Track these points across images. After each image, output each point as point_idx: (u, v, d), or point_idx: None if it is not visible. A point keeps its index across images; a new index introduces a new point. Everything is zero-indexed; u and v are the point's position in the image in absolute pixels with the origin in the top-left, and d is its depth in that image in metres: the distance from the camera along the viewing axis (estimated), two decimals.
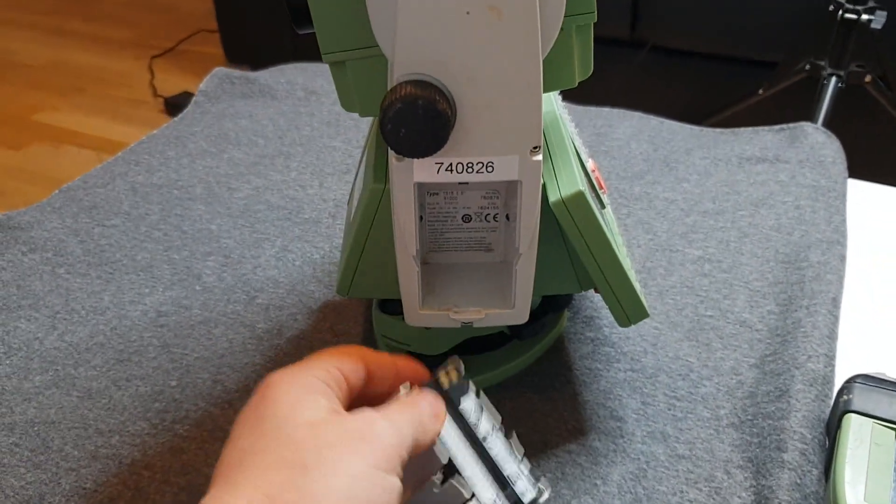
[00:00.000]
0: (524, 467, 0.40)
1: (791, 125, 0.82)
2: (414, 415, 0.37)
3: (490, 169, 0.40)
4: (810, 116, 1.41)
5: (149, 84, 2.43)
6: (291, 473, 0.33)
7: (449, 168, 0.40)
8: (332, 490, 0.32)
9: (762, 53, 1.69)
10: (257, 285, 0.62)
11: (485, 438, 0.40)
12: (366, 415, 0.36)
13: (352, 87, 0.41)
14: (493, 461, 0.39)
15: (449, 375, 0.41)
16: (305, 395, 0.36)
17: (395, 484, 0.34)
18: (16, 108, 2.31)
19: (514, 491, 0.39)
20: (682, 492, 0.46)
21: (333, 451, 0.34)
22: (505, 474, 0.39)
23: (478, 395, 0.41)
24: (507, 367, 0.53)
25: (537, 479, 0.40)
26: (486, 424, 0.40)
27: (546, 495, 0.40)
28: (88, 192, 0.73)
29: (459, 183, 0.46)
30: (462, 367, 0.41)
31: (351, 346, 0.40)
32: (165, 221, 0.69)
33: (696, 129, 0.83)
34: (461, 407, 0.40)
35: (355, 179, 0.53)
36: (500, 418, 0.41)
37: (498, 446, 0.40)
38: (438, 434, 0.38)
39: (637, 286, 0.47)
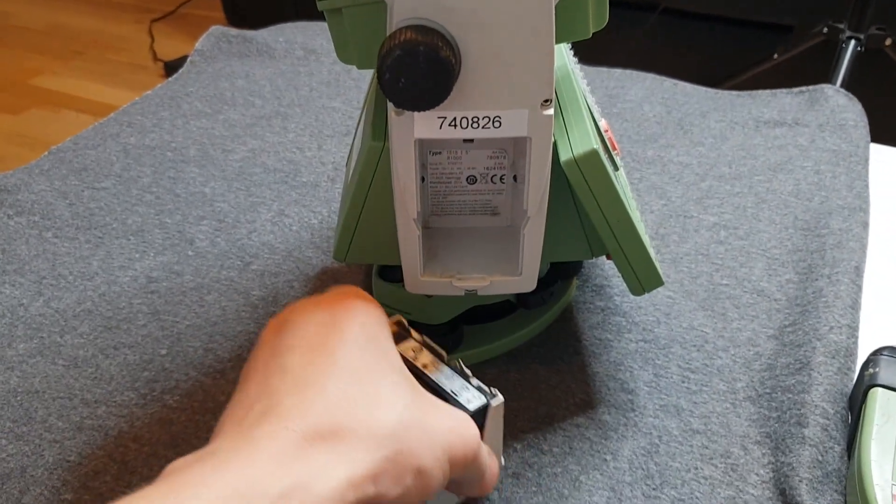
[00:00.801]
0: (470, 382, 0.38)
1: (811, 87, 0.79)
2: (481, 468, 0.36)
3: (497, 124, 0.37)
4: (828, 81, 1.37)
5: (149, 48, 2.38)
6: (382, 422, 0.31)
7: (453, 123, 0.37)
8: (412, 458, 0.31)
9: (778, 16, 1.64)
10: (252, 251, 0.59)
11: (425, 366, 0.39)
12: (464, 415, 0.35)
13: (349, 36, 0.38)
14: (437, 386, 0.38)
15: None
16: (386, 347, 0.34)
17: (448, 473, 0.33)
18: (14, 73, 2.27)
19: (458, 402, 0.37)
20: (696, 468, 0.44)
21: (425, 422, 0.32)
22: (447, 390, 0.38)
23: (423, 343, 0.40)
24: (512, 338, 0.51)
25: (489, 391, 0.38)
26: (426, 359, 0.39)
27: (498, 400, 0.38)
28: (78, 153, 0.71)
29: (464, 141, 0.43)
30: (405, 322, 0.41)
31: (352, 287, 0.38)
32: (157, 184, 0.66)
33: (711, 91, 0.80)
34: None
35: (354, 140, 0.51)
36: (444, 355, 0.40)
37: (437, 373, 0.38)
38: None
39: (652, 252, 0.44)
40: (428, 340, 0.40)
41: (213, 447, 0.29)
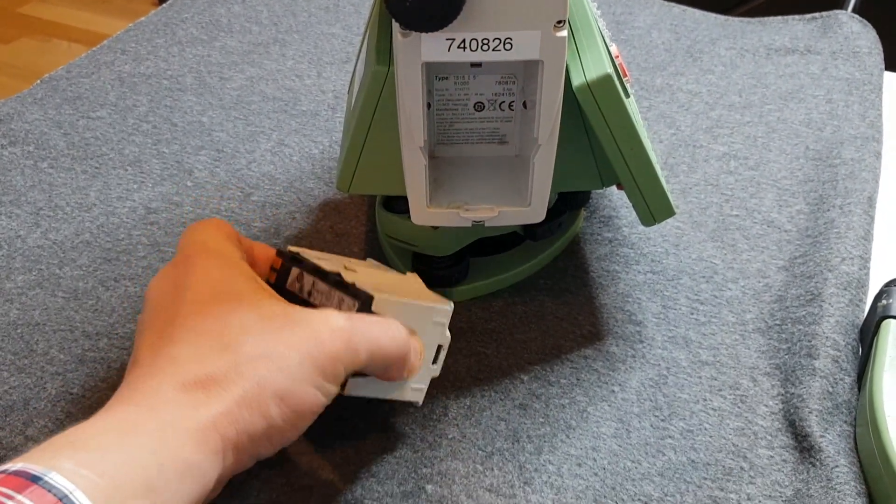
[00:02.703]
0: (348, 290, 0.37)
1: (823, 14, 0.77)
2: (388, 346, 0.36)
3: (508, 46, 0.35)
4: (841, 7, 1.33)
5: None
6: (231, 356, 0.32)
7: (462, 45, 0.35)
8: (271, 383, 0.32)
9: None
10: (252, 181, 0.58)
11: (309, 293, 0.38)
12: (320, 316, 0.34)
13: None
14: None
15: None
16: (238, 278, 0.36)
17: (331, 389, 0.34)
18: (1, 0, 2.21)
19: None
20: (704, 399, 0.43)
21: (281, 345, 0.33)
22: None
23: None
24: (519, 270, 0.50)
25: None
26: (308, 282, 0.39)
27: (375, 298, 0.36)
28: (72, 82, 0.69)
29: (472, 65, 0.41)
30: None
31: (209, 220, 0.39)
32: (154, 113, 0.65)
33: (721, 17, 0.78)
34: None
35: (356, 66, 0.49)
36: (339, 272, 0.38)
37: (318, 295, 0.38)
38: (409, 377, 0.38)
39: (663, 181, 0.43)
40: (313, 257, 0.39)
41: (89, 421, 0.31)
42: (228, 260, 0.36)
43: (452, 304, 0.40)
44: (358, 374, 0.36)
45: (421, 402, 0.40)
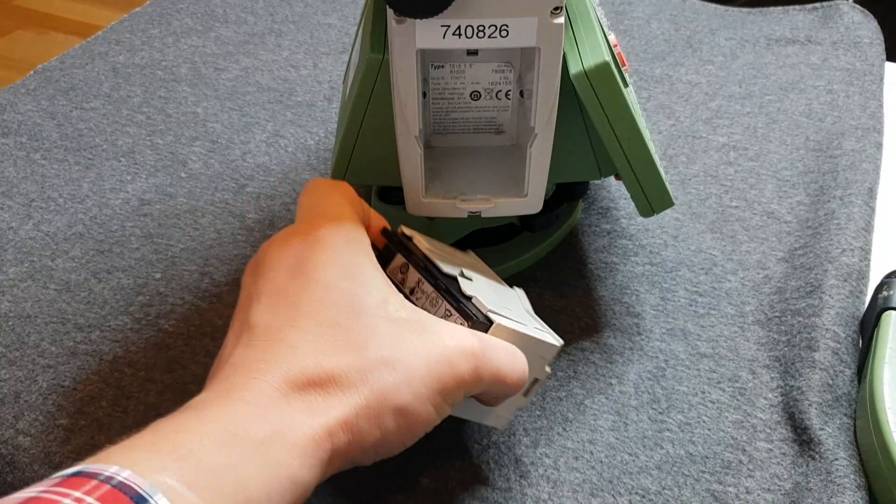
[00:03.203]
0: (463, 306, 0.36)
1: (824, 3, 0.76)
2: (508, 371, 0.34)
3: (504, 33, 0.35)
4: None
5: None
6: (356, 357, 0.30)
7: (457, 32, 0.35)
8: (395, 397, 0.30)
9: None
10: (247, 173, 0.57)
11: (412, 290, 0.37)
12: (449, 333, 0.32)
13: None
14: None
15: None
16: (363, 271, 0.32)
17: (446, 411, 0.32)
18: None
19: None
20: (703, 392, 0.43)
21: (407, 357, 0.30)
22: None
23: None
24: (516, 262, 0.49)
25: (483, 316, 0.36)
26: (412, 279, 0.37)
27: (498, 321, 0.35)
28: (66, 73, 0.68)
29: (468, 53, 0.41)
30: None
31: (335, 181, 0.37)
32: (148, 104, 0.64)
33: (720, 7, 0.77)
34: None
35: (351, 55, 0.48)
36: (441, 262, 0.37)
37: (422, 298, 0.37)
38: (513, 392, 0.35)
39: (662, 171, 0.42)
40: (424, 248, 0.38)
41: (194, 400, 0.29)
42: (356, 238, 0.33)
43: (562, 342, 0.39)
44: None
45: (501, 428, 0.40)
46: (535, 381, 0.38)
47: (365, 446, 0.30)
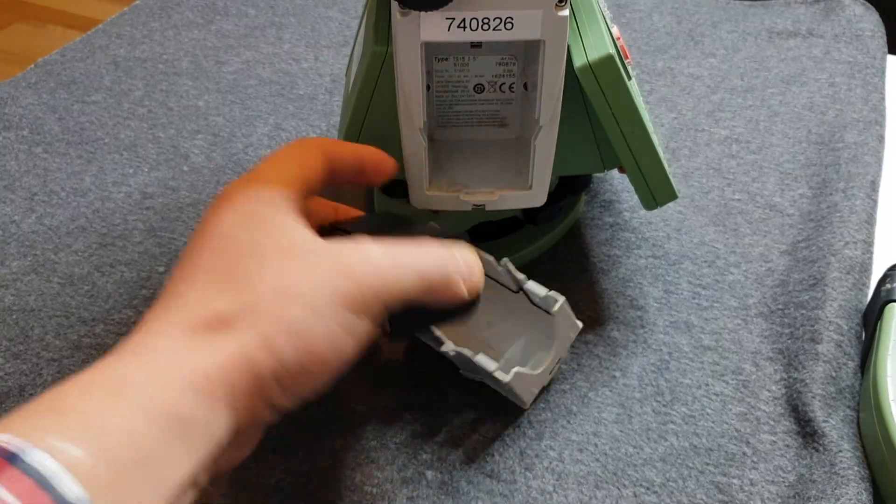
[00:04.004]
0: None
1: None
2: (428, 266, 0.32)
3: (509, 25, 0.35)
4: None
5: None
6: (242, 294, 0.29)
7: (462, 24, 0.35)
8: (284, 318, 0.28)
9: None
10: (249, 166, 0.57)
11: None
12: (353, 246, 0.31)
13: None
14: None
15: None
16: (273, 214, 0.31)
17: (361, 326, 0.30)
18: None
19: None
20: (707, 384, 0.43)
21: (299, 279, 0.29)
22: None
23: None
24: (519, 255, 0.49)
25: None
26: None
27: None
28: (67, 66, 0.68)
29: (472, 46, 0.41)
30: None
31: (310, 140, 0.36)
32: (150, 97, 0.64)
33: (722, 0, 0.77)
34: None
35: (353, 48, 0.48)
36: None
37: None
38: (473, 296, 0.34)
39: (666, 164, 0.42)
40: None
41: (97, 365, 0.28)
42: (268, 198, 0.32)
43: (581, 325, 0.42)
44: (411, 315, 0.34)
45: (528, 406, 0.41)
46: (559, 359, 0.41)
47: (265, 381, 0.28)
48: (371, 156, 0.37)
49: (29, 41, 1.93)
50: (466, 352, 0.38)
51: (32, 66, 0.68)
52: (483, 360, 0.38)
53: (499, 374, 0.38)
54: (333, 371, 0.30)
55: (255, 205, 0.32)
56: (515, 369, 0.38)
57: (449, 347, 0.38)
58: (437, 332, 0.39)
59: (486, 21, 0.35)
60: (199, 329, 0.28)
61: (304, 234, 0.31)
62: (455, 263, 0.33)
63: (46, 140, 0.60)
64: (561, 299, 0.40)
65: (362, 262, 0.31)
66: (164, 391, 0.26)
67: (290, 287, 0.29)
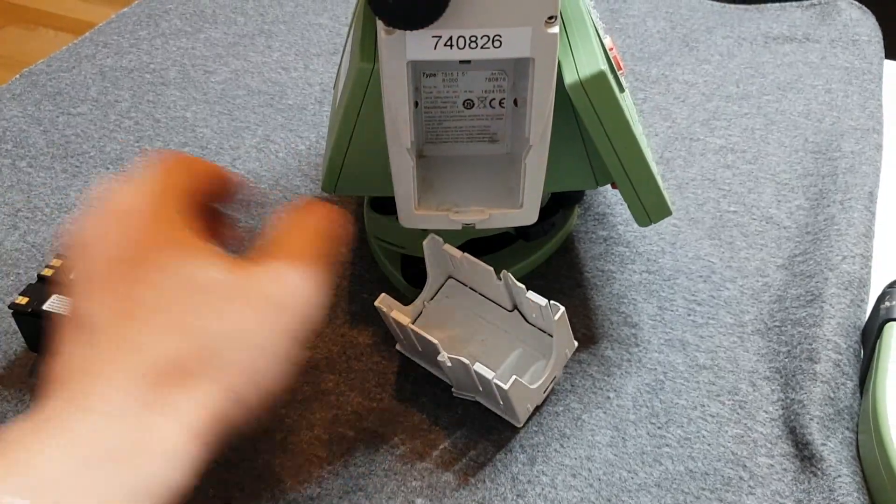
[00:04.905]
0: None
1: (822, 0, 0.75)
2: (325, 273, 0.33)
3: (497, 44, 0.34)
4: None
5: None
6: (188, 342, 0.28)
7: (449, 43, 0.34)
8: (237, 363, 0.29)
9: None
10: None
11: None
12: (276, 270, 0.31)
13: None
14: None
15: None
16: (182, 239, 0.30)
17: (299, 354, 0.31)
18: None
19: None
20: (702, 405, 0.42)
21: (238, 321, 0.29)
22: None
23: None
24: (512, 270, 0.48)
25: None
26: None
27: None
28: (52, 76, 0.67)
29: (461, 62, 0.40)
30: None
31: (176, 157, 0.34)
32: (137, 109, 0.63)
33: (717, 5, 0.76)
34: None
35: (342, 60, 0.47)
36: None
37: None
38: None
39: (660, 181, 0.41)
40: None
41: (38, 410, 0.26)
42: (168, 208, 0.31)
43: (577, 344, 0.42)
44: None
45: (521, 423, 0.41)
46: (554, 378, 0.41)
47: (236, 420, 0.29)
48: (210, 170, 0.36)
49: (20, 45, 1.92)
50: (464, 360, 0.37)
51: (17, 76, 0.67)
52: (481, 369, 0.38)
53: (498, 382, 0.37)
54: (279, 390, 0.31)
55: (170, 225, 0.31)
56: (514, 377, 0.38)
57: (445, 357, 0.37)
58: (434, 341, 0.38)
59: (473, 39, 0.34)
60: (162, 382, 0.27)
61: (221, 271, 0.30)
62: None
63: (31, 154, 0.59)
64: (561, 309, 0.39)
65: (294, 295, 0.31)
66: (140, 462, 0.25)
67: (242, 331, 0.29)
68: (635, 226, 0.52)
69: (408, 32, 0.33)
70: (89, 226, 0.31)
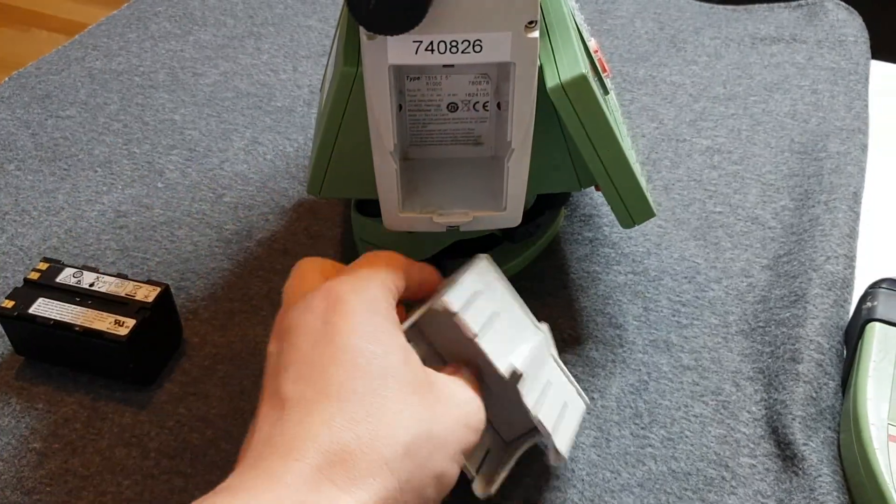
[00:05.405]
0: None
1: (809, 0, 0.75)
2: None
3: (478, 48, 0.34)
4: None
5: None
6: (381, 430, 0.29)
7: (430, 47, 0.34)
8: (429, 467, 0.29)
9: None
10: (224, 182, 0.56)
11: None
12: (448, 386, 0.33)
13: None
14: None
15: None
16: (387, 338, 0.31)
17: (454, 473, 0.31)
18: None
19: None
20: (686, 406, 0.42)
21: (431, 426, 0.30)
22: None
23: None
24: None
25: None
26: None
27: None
28: (41, 79, 0.67)
29: (444, 66, 0.40)
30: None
31: (391, 254, 0.35)
32: (125, 112, 0.63)
33: (705, 5, 0.76)
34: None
35: (328, 63, 0.47)
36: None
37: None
38: None
39: (643, 182, 0.42)
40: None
41: (229, 482, 0.27)
42: (377, 297, 0.32)
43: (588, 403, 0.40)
44: None
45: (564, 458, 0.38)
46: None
47: None
48: (428, 276, 0.37)
49: (13, 46, 1.92)
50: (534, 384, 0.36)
51: (7, 79, 0.67)
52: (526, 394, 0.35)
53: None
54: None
55: (374, 315, 0.32)
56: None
57: (505, 365, 0.35)
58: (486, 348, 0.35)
59: (454, 44, 0.34)
60: (348, 462, 0.27)
61: (418, 363, 0.32)
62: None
63: (19, 157, 0.59)
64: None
65: (474, 412, 0.33)
66: None
67: (431, 431, 0.30)
68: (621, 227, 0.52)
69: (389, 37, 0.33)
70: (298, 312, 0.32)
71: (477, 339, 0.34)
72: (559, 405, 0.37)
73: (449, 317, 0.34)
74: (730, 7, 0.76)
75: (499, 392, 0.36)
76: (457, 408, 0.32)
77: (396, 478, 0.28)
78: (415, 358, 0.32)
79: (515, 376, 0.34)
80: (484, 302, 0.36)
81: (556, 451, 0.36)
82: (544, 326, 0.39)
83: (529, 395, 0.35)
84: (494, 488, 0.36)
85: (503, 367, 0.35)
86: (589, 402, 0.39)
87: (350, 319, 0.31)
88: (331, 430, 0.28)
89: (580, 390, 0.39)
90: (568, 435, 0.37)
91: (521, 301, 0.40)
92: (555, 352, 0.39)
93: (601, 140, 0.38)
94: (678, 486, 0.39)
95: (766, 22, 0.73)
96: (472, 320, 0.35)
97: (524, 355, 0.36)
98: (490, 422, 0.36)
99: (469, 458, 0.36)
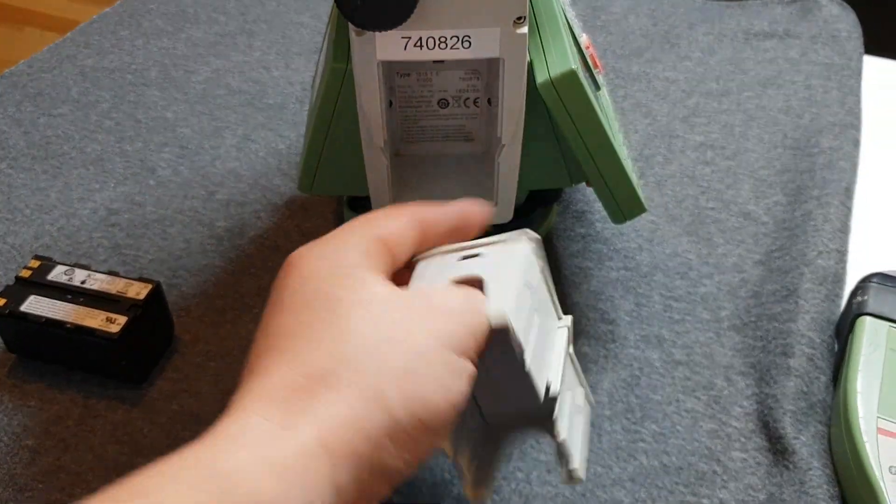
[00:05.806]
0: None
1: None
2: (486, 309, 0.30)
3: (467, 44, 0.34)
4: None
5: None
6: (335, 348, 0.27)
7: (418, 43, 0.34)
8: (389, 367, 0.26)
9: None
10: (217, 179, 0.56)
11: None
12: (435, 289, 0.30)
13: None
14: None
15: None
16: (348, 269, 0.29)
17: (466, 367, 0.28)
18: None
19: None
20: (678, 400, 0.42)
21: (394, 326, 0.27)
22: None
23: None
24: None
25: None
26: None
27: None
28: (33, 77, 0.67)
29: (434, 62, 0.40)
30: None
31: (401, 207, 0.33)
32: (117, 109, 0.63)
33: (699, 1, 0.76)
34: None
35: (319, 59, 0.47)
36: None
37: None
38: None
39: (634, 178, 0.42)
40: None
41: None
42: (338, 258, 0.30)
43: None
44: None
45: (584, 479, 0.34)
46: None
47: (378, 440, 0.26)
48: (465, 213, 0.34)
49: (6, 44, 1.91)
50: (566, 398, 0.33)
51: None
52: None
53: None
54: (446, 420, 0.27)
55: (331, 262, 0.30)
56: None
57: (543, 385, 0.31)
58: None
59: (443, 40, 0.34)
60: (294, 397, 0.26)
61: (386, 287, 0.29)
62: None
63: (11, 155, 0.58)
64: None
65: (454, 304, 0.29)
66: (250, 481, 0.24)
67: (388, 335, 0.27)
68: (613, 223, 0.52)
69: (377, 33, 0.33)
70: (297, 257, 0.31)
71: (525, 357, 0.30)
72: (583, 427, 0.34)
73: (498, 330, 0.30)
74: (723, 3, 0.76)
75: (490, 365, 0.32)
76: (426, 303, 0.29)
77: (348, 395, 0.26)
78: (402, 291, 0.30)
79: (550, 399, 0.31)
80: (526, 301, 0.32)
81: (571, 474, 0.32)
82: (568, 319, 0.36)
83: (561, 421, 0.32)
84: (487, 494, 0.34)
85: (541, 386, 0.31)
86: (595, 403, 0.37)
87: (297, 271, 0.30)
88: (278, 369, 0.27)
89: (589, 393, 0.37)
90: (585, 455, 0.34)
91: (551, 282, 0.36)
92: (572, 349, 0.36)
93: (591, 136, 0.38)
94: (670, 480, 0.39)
95: (760, 17, 0.73)
96: (522, 334, 0.30)
97: (559, 373, 0.32)
98: (474, 396, 0.33)
99: (448, 438, 0.32)
